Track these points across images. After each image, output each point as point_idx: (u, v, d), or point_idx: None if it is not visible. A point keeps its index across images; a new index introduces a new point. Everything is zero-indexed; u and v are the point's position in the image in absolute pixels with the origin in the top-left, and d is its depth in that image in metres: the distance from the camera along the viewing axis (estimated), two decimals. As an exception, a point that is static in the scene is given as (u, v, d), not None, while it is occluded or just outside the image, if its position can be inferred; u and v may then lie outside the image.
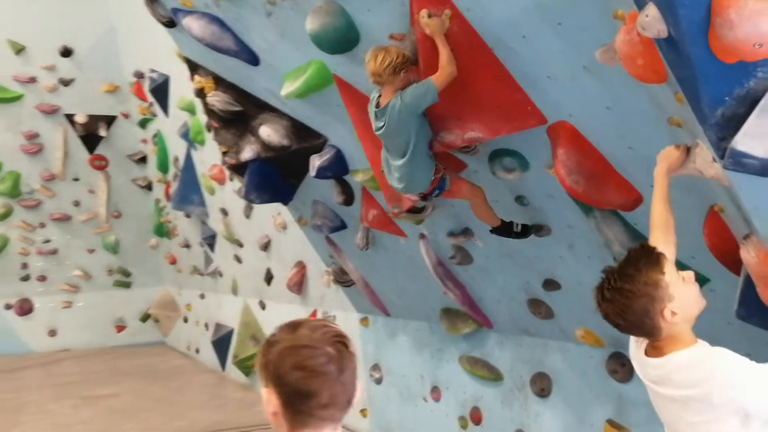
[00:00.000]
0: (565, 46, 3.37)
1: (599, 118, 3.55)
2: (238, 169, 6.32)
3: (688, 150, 2.68)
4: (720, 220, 3.15)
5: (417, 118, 4.00)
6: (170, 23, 6.07)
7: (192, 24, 5.51)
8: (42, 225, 12.78)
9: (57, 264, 13.03)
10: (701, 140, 2.52)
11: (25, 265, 12.88)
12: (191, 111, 9.41)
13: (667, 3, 2.11)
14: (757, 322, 3.15)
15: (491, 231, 4.60)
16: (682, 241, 3.70)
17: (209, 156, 9.36)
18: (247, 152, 6.04)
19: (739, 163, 2.25)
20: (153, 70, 10.70)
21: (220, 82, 6.10)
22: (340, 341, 1.73)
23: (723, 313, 3.43)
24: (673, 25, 2.14)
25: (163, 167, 11.74)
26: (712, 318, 3.60)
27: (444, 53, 3.73)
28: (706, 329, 3.61)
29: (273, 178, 6.22)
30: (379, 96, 4.15)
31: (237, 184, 8.77)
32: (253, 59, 5.48)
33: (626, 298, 2.35)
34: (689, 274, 2.47)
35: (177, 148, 10.81)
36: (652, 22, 2.22)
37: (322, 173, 5.57)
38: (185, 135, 9.92)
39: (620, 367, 4.73)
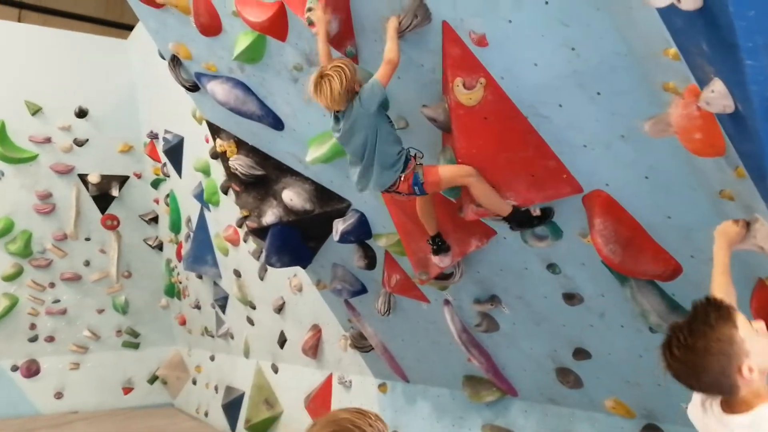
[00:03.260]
0: (603, 115, 3.35)
1: (637, 187, 3.51)
2: (259, 232, 6.26)
3: (747, 225, 2.62)
4: (770, 294, 3.06)
5: (373, 117, 3.89)
6: (193, 87, 6.10)
7: (216, 88, 5.53)
8: (52, 285, 12.64)
9: (66, 324, 12.85)
10: (761, 215, 2.46)
11: (33, 326, 12.67)
12: (206, 172, 9.43)
13: (737, 79, 2.08)
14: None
15: (507, 222, 4.02)
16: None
17: (224, 217, 9.33)
18: (269, 216, 6.00)
19: (805, 243, 2.19)
20: (167, 131, 10.77)
21: (241, 146, 6.09)
22: None
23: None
24: (742, 101, 2.11)
25: (175, 227, 11.70)
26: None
27: (390, 46, 3.76)
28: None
29: (294, 241, 6.16)
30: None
31: (251, 245, 8.70)
32: (277, 124, 5.47)
33: (700, 356, 2.15)
34: (761, 325, 2.27)
35: (190, 209, 10.79)
36: (718, 97, 2.19)
37: (345, 238, 5.50)
38: (199, 196, 9.91)
39: (654, 440, 4.58)
